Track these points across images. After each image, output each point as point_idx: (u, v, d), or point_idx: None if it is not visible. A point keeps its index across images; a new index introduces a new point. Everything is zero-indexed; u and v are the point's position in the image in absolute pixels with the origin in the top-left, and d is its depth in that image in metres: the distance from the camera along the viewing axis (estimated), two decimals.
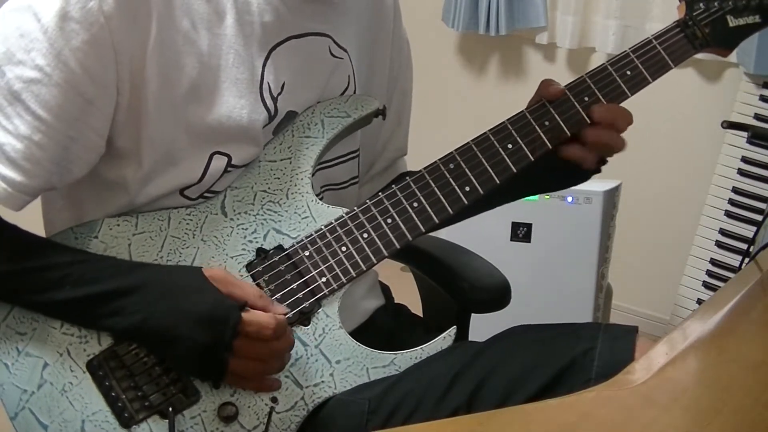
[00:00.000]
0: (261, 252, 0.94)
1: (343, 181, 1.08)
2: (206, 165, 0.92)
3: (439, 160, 0.98)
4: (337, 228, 0.95)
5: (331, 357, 0.93)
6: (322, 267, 0.94)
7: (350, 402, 0.91)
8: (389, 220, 0.95)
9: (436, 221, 0.97)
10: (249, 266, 0.93)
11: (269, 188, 0.96)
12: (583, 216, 2.01)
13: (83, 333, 0.88)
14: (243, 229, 0.95)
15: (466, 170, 0.97)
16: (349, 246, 0.95)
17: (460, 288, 1.24)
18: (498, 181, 0.97)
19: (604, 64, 1.00)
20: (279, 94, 0.96)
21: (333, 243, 0.95)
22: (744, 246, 2.09)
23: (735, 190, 2.18)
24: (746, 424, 0.69)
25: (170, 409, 0.87)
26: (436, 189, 0.96)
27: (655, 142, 2.38)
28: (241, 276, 0.93)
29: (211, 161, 0.92)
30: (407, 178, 0.97)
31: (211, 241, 0.94)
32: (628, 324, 0.94)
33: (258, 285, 0.93)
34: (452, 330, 0.95)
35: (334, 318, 0.94)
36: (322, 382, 0.92)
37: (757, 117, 2.14)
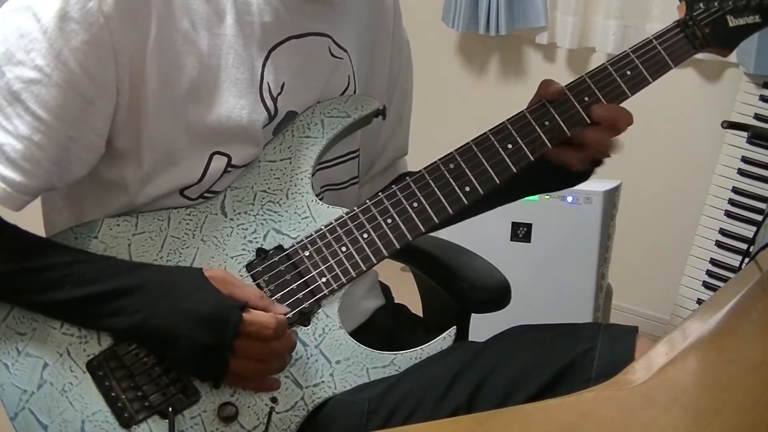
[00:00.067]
0: (261, 252, 0.94)
1: (343, 181, 1.08)
2: (206, 165, 0.92)
3: (439, 160, 0.98)
4: (337, 228, 0.95)
5: (331, 357, 0.93)
6: (322, 267, 0.94)
7: (350, 402, 0.91)
8: (389, 221, 0.95)
9: (436, 221, 0.96)
10: (249, 266, 0.93)
11: (269, 188, 0.96)
12: (583, 216, 2.01)
13: (83, 333, 0.88)
14: (243, 229, 0.95)
15: (466, 170, 0.97)
16: (349, 246, 0.95)
17: (460, 288, 1.24)
18: (498, 181, 0.97)
19: (604, 64, 1.00)
20: (279, 94, 0.96)
21: (333, 243, 0.95)
22: (744, 246, 2.09)
23: (735, 190, 2.18)
24: (746, 424, 0.69)
25: (170, 409, 0.87)
26: (436, 189, 0.96)
27: (655, 142, 2.38)
28: (241, 276, 0.93)
29: (211, 161, 0.92)
30: (407, 178, 0.97)
31: (211, 241, 0.94)
32: (628, 324, 0.94)
33: (258, 285, 0.93)
34: (452, 330, 0.95)
35: (334, 318, 0.93)
36: (322, 382, 0.92)
37: (757, 117, 2.14)
